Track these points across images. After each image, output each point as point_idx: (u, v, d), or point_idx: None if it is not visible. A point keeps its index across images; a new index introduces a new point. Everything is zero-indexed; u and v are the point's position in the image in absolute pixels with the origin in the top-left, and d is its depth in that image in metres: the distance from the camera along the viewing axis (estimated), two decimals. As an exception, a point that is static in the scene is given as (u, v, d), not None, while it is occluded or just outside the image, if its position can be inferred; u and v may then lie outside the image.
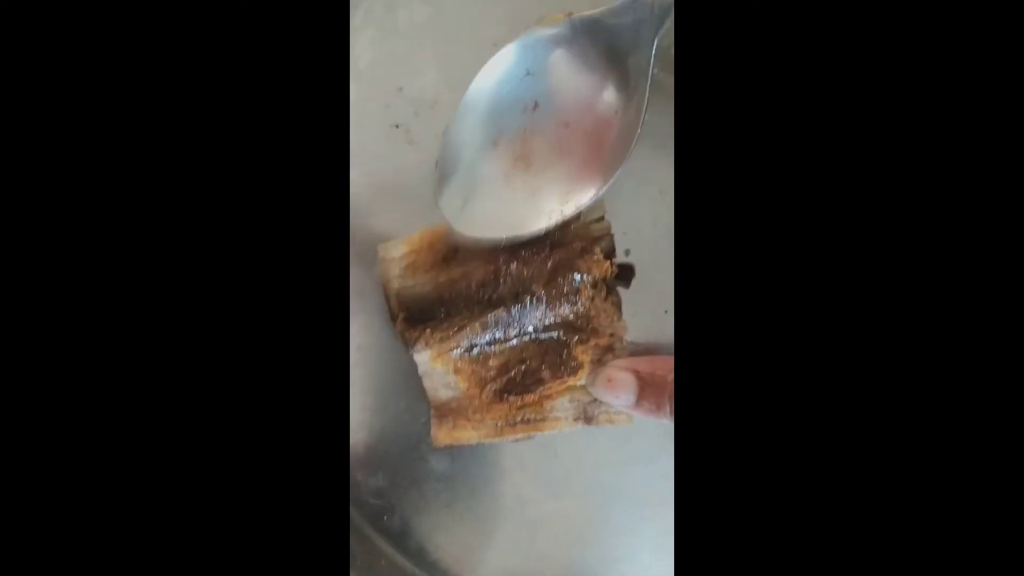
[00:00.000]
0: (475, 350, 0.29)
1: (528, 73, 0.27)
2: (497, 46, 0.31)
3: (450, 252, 0.29)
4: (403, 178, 0.32)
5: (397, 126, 0.31)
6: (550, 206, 0.28)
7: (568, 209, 0.28)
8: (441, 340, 0.29)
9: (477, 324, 0.29)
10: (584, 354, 0.29)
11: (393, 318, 0.29)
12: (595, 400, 0.30)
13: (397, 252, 0.29)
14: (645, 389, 0.28)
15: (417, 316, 0.29)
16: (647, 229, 0.31)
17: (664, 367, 0.28)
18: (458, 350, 0.29)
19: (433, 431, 0.30)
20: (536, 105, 0.27)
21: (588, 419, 0.30)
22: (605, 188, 0.27)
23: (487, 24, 0.31)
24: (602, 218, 0.30)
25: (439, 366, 0.29)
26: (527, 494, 0.32)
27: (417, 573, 0.33)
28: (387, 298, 0.29)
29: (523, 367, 0.29)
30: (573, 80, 0.27)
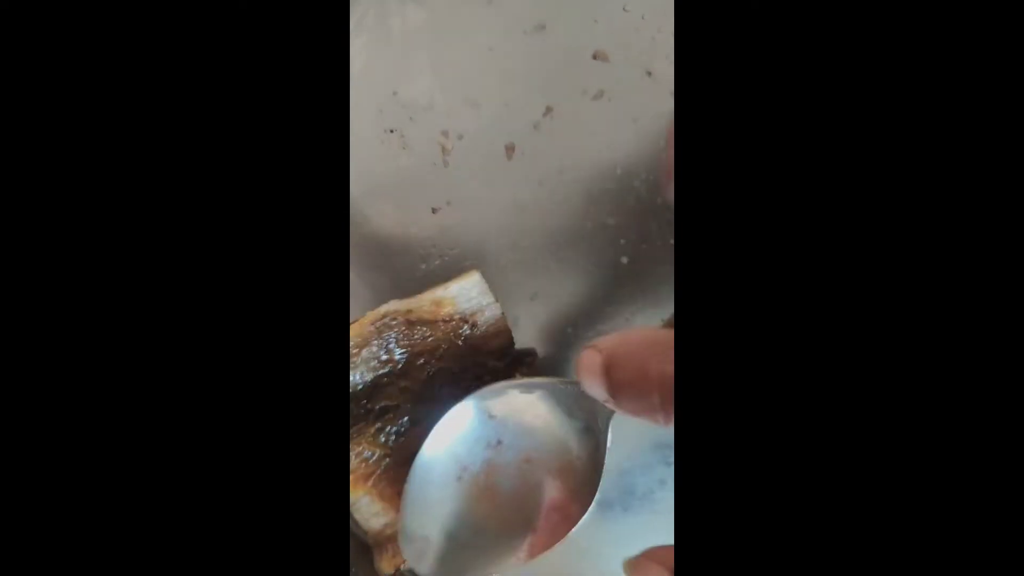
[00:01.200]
0: (386, 460, 0.29)
1: (491, 416, 0.28)
2: (492, 51, 0.31)
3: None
4: (398, 181, 0.31)
5: (391, 131, 0.31)
6: (518, 544, 0.28)
7: (533, 552, 0.28)
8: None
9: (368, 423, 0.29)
10: None
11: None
12: None
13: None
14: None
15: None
16: (645, 238, 0.31)
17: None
18: (358, 458, 0.29)
19: (376, 563, 0.30)
20: (499, 442, 0.28)
21: None
22: (569, 531, 0.28)
23: (481, 29, 0.31)
24: None
25: (359, 494, 0.29)
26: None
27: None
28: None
29: None
30: (535, 421, 0.28)
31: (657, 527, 0.32)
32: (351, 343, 0.29)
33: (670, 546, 0.26)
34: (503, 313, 0.29)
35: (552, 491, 0.28)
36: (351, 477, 0.29)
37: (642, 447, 0.32)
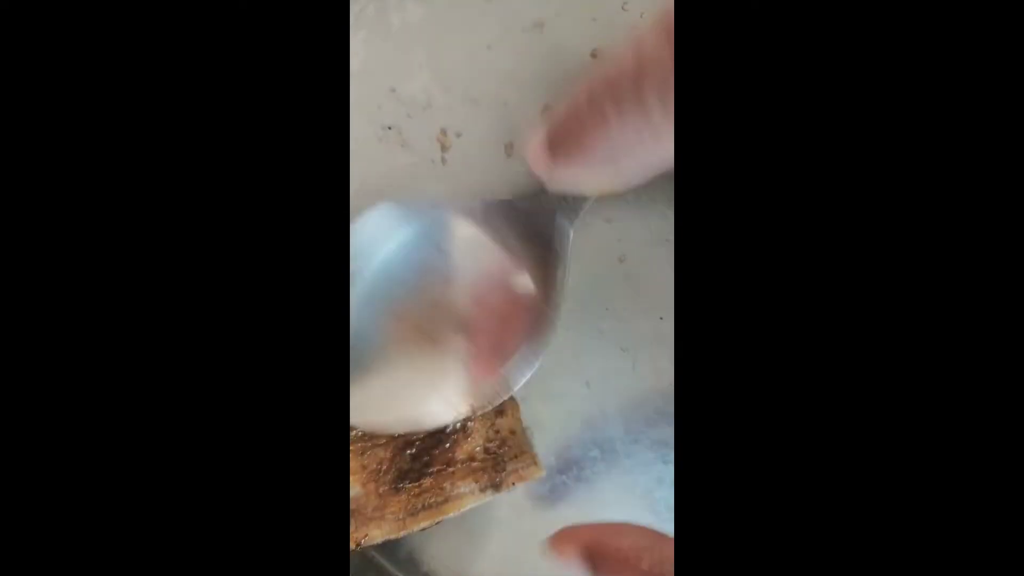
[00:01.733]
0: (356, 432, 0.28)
1: (439, 249, 0.26)
2: (491, 49, 0.31)
3: None
4: (396, 179, 0.31)
5: (390, 128, 0.31)
6: (455, 396, 0.26)
7: (476, 403, 0.27)
8: None
9: None
10: (475, 423, 0.29)
11: None
12: (497, 464, 0.29)
13: None
14: (598, 561, 0.22)
15: None
16: (642, 235, 0.31)
17: (615, 536, 0.23)
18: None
19: None
20: (446, 280, 0.26)
21: (496, 486, 0.29)
22: (519, 384, 0.26)
23: (481, 26, 0.31)
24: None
25: None
26: (519, 504, 0.32)
27: (407, 584, 0.33)
28: None
29: (411, 451, 0.28)
30: (485, 258, 0.26)
31: (653, 525, 0.32)
32: None
33: (590, 524, 0.25)
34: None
35: (498, 335, 0.26)
36: None
37: (640, 444, 0.32)
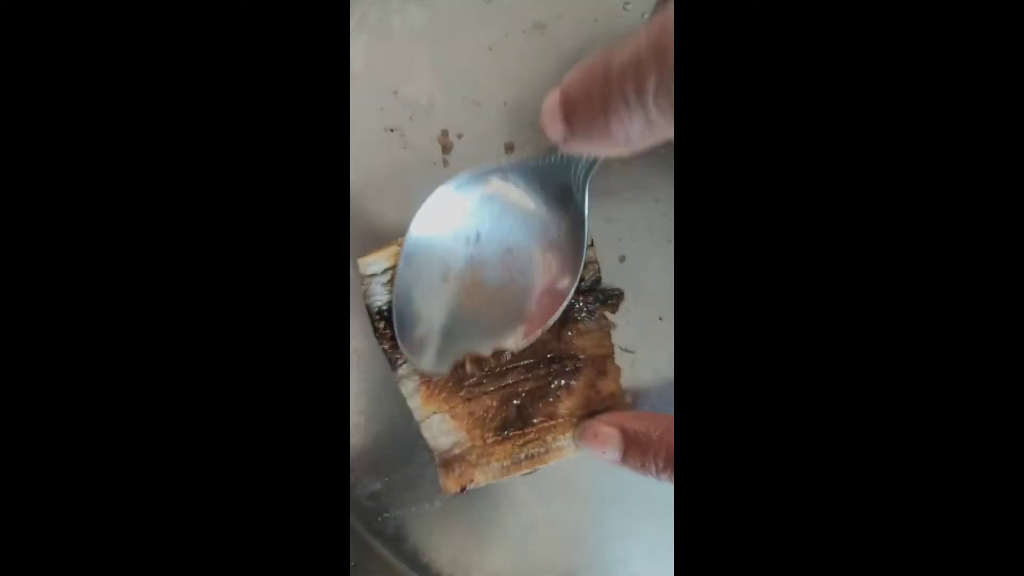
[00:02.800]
0: (464, 390, 0.29)
1: (464, 211, 0.28)
2: (492, 50, 0.31)
3: None
4: (398, 180, 0.32)
5: (392, 130, 0.31)
6: (513, 330, 0.29)
7: (528, 334, 0.29)
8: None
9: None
10: (578, 381, 0.29)
11: (378, 335, 0.29)
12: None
13: (379, 267, 0.29)
14: (631, 447, 0.27)
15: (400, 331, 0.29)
16: (643, 235, 0.31)
17: (655, 425, 0.27)
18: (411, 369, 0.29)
19: (441, 480, 0.30)
20: (478, 236, 0.28)
21: None
22: (561, 308, 0.28)
23: (480, 28, 0.31)
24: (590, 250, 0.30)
25: (431, 410, 0.29)
26: (521, 498, 0.32)
27: (410, 575, 0.33)
28: (369, 314, 0.29)
29: (517, 403, 0.29)
30: (511, 209, 0.28)
31: (653, 520, 0.33)
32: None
33: (623, 412, 0.28)
34: (592, 244, 0.30)
35: (538, 275, 0.28)
36: (424, 393, 0.29)
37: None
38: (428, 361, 0.29)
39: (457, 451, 0.30)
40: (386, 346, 0.29)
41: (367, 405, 0.32)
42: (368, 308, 0.29)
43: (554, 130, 0.23)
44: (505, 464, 0.29)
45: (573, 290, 0.28)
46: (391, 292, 0.29)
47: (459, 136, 0.31)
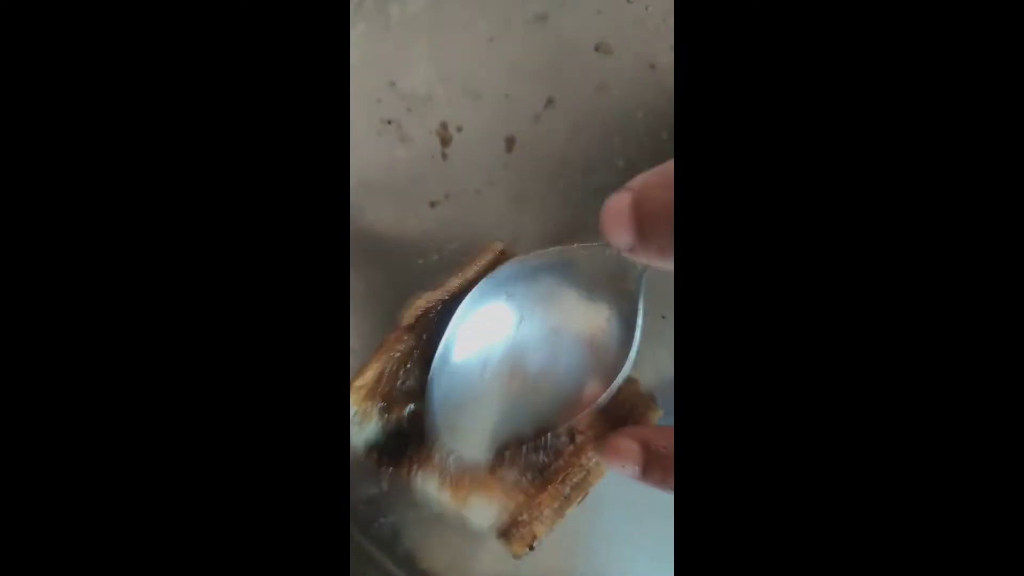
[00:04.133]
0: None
1: (508, 296, 0.27)
2: (493, 41, 0.30)
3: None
4: (395, 174, 0.31)
5: (389, 122, 0.31)
6: (557, 415, 0.28)
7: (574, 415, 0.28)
8: (434, 458, 0.28)
9: None
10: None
11: (378, 468, 0.29)
12: (616, 423, 0.29)
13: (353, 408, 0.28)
14: (652, 462, 0.26)
15: (396, 451, 0.29)
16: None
17: (666, 436, 0.26)
18: (451, 456, 0.28)
19: (507, 549, 0.29)
20: (521, 319, 0.27)
21: None
22: (610, 392, 0.27)
23: (481, 18, 0.30)
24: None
25: (464, 494, 0.29)
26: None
27: (408, 581, 0.33)
28: (359, 458, 0.29)
29: (538, 445, 0.29)
30: (556, 290, 0.27)
31: (654, 524, 0.32)
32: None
33: (647, 427, 0.27)
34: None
35: (584, 356, 0.27)
36: (449, 487, 0.29)
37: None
38: (472, 449, 0.28)
39: (507, 517, 0.29)
40: (390, 472, 0.29)
41: (362, 406, 0.32)
42: (355, 451, 0.29)
43: (620, 238, 0.21)
44: (555, 506, 0.29)
45: (625, 371, 0.27)
46: (370, 425, 0.28)
47: (459, 129, 0.31)
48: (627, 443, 0.26)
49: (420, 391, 0.28)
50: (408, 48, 0.31)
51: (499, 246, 0.28)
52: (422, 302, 0.28)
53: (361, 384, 0.28)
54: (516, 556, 0.29)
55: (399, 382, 0.28)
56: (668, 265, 0.21)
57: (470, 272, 0.28)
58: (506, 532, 0.29)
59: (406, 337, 0.28)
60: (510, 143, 0.31)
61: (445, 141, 0.31)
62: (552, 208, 0.31)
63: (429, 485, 0.28)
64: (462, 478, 0.28)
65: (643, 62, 0.30)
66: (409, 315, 0.28)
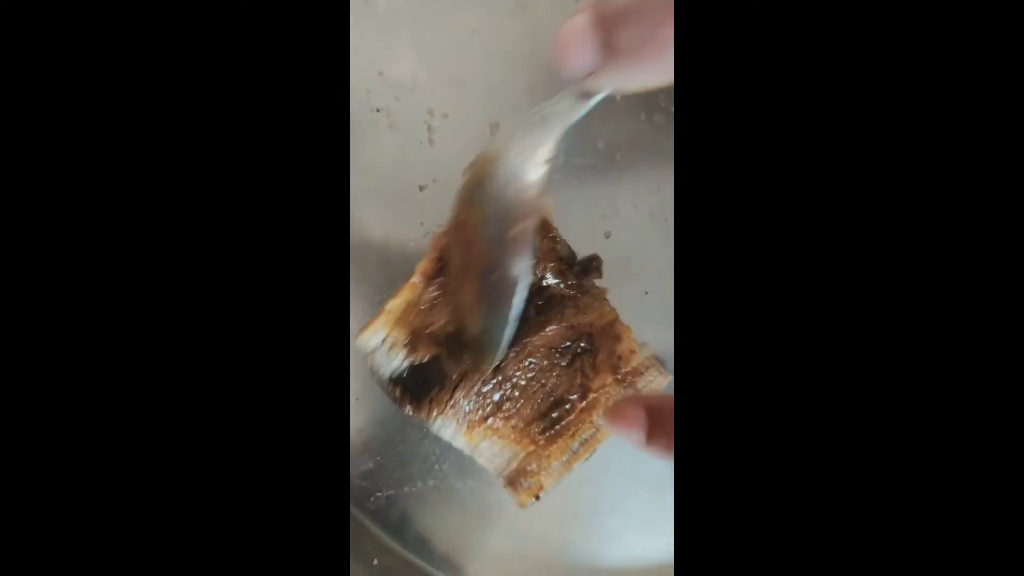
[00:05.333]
0: (494, 399, 0.30)
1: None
2: (476, 32, 0.31)
3: (426, 311, 0.29)
4: (384, 161, 0.32)
5: (378, 110, 0.32)
6: None
7: None
8: (451, 404, 0.29)
9: (470, 368, 0.29)
10: (598, 356, 0.30)
11: (399, 402, 0.29)
12: (628, 386, 0.30)
13: (377, 339, 0.29)
14: (657, 429, 0.25)
15: (418, 391, 0.29)
16: (628, 212, 0.32)
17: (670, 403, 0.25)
18: (468, 403, 0.29)
19: (514, 498, 0.30)
20: None
21: None
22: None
23: (463, 10, 0.32)
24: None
25: (477, 440, 0.30)
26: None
27: (405, 553, 0.34)
28: (382, 386, 0.29)
29: (552, 399, 0.30)
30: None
31: (643, 494, 0.33)
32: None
33: (655, 395, 0.28)
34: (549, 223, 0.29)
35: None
36: (464, 430, 0.29)
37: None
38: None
39: (515, 465, 0.30)
40: (409, 409, 0.29)
41: (359, 386, 0.33)
42: (378, 382, 0.29)
43: (582, 56, 0.19)
44: (564, 459, 0.30)
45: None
46: (396, 357, 0.29)
47: (444, 115, 0.32)
48: (633, 409, 0.25)
49: (444, 340, 0.29)
50: (394, 39, 0.32)
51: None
52: (440, 233, 0.28)
53: (391, 309, 0.28)
54: (521, 505, 0.30)
55: (427, 327, 0.29)
56: (642, 78, 0.20)
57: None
58: (513, 481, 0.30)
59: (433, 270, 0.29)
60: (494, 128, 0.32)
61: (431, 127, 0.32)
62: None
63: (446, 429, 0.29)
64: (474, 423, 0.29)
65: (619, 48, 0.32)
66: (433, 245, 0.29)
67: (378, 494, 0.33)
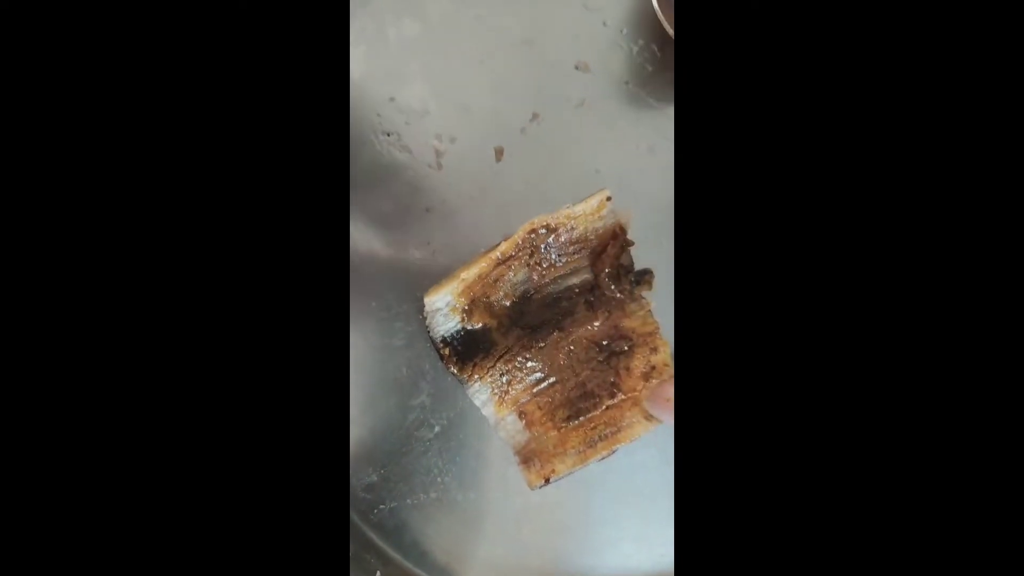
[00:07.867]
0: (530, 377, 0.31)
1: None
2: (483, 62, 0.33)
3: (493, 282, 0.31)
4: (395, 181, 0.33)
5: (389, 134, 0.33)
6: None
7: None
8: (491, 372, 0.31)
9: (515, 343, 0.31)
10: (633, 360, 0.31)
11: (445, 361, 0.31)
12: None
13: (443, 302, 0.31)
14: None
15: (464, 354, 0.31)
16: (635, 185, 0.33)
17: None
18: (505, 376, 0.31)
19: (524, 476, 0.32)
20: None
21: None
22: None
23: (471, 41, 0.33)
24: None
25: (504, 412, 0.31)
26: (513, 486, 0.33)
27: (407, 565, 0.34)
28: (434, 343, 0.32)
29: (583, 390, 0.31)
30: None
31: (639, 503, 0.34)
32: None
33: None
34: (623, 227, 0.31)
35: None
36: (496, 400, 0.31)
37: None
38: None
39: (534, 445, 0.31)
40: (454, 369, 0.31)
41: (362, 398, 0.33)
42: (432, 339, 0.31)
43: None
44: (581, 450, 0.31)
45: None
46: (452, 320, 0.31)
47: (452, 140, 0.33)
48: (672, 393, 0.26)
49: (499, 312, 0.31)
50: (405, 67, 0.33)
51: (606, 192, 0.31)
52: (535, 221, 0.31)
53: (464, 277, 0.30)
54: (531, 486, 0.31)
55: (490, 296, 0.31)
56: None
57: (577, 209, 0.31)
58: (528, 460, 0.31)
59: (513, 251, 0.31)
60: (499, 153, 0.33)
61: (440, 151, 0.33)
62: (537, 212, 0.33)
63: (480, 395, 0.31)
64: (505, 396, 0.31)
65: (618, 79, 0.33)
66: (523, 229, 0.31)
67: (381, 507, 0.34)
